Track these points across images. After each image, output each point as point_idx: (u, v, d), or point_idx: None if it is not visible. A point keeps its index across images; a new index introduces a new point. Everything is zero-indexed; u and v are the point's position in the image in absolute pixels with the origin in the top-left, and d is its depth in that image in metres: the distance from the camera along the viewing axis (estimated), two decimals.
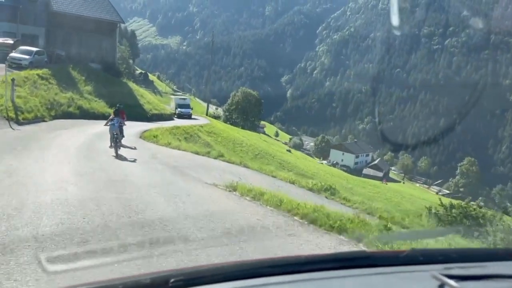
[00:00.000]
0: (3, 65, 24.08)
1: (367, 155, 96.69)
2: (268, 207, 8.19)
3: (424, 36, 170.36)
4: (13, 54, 28.78)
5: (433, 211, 19.44)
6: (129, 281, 1.41)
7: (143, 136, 21.36)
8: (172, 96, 64.15)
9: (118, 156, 14.62)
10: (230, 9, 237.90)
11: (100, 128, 16.72)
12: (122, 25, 60.87)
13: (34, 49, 30.53)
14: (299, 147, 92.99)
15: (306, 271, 1.58)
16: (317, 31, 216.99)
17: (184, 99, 51.64)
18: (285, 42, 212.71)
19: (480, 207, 22.72)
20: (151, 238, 5.66)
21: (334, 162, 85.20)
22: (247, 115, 67.33)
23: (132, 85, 42.30)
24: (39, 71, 27.10)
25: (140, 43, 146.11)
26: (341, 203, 10.61)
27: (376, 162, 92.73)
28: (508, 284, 1.61)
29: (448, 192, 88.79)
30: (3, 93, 19.35)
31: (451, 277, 1.53)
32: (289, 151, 61.00)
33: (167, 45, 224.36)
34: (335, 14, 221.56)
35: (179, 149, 17.50)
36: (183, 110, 43.10)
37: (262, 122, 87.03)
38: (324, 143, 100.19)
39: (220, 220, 7.04)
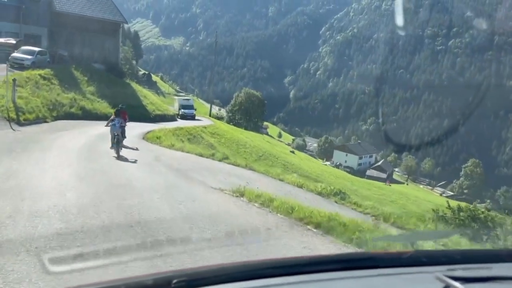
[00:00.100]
0: (4, 66, 23.77)
1: (371, 156, 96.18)
2: (278, 214, 7.71)
3: (428, 37, 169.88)
4: (15, 54, 28.53)
5: (440, 213, 19.10)
6: (132, 282, 1.41)
7: (146, 137, 21.02)
8: (176, 97, 63.85)
9: (120, 158, 14.30)
10: (233, 10, 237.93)
11: (103, 129, 16.36)
12: (126, 26, 60.70)
13: (37, 49, 30.28)
14: (302, 148, 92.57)
15: (309, 272, 1.58)
16: (320, 32, 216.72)
17: (188, 99, 51.11)
18: (288, 43, 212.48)
19: (489, 210, 22.35)
20: (155, 255, 5.18)
21: (338, 163, 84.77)
22: (250, 116, 67.07)
23: (135, 85, 42.02)
24: (41, 71, 26.85)
25: (143, 44, 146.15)
26: (352, 208, 10.11)
27: (379, 163, 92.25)
28: None
29: (452, 193, 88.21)
30: (4, 93, 19.06)
31: (455, 278, 1.52)
32: (293, 152, 60.60)
33: (170, 46, 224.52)
34: (338, 15, 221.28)
35: (182, 151, 17.08)
36: (186, 111, 42.66)
37: (265, 123, 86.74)
38: (327, 144, 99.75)
39: (229, 230, 6.61)
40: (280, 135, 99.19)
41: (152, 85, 78.91)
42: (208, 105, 72.36)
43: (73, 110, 25.46)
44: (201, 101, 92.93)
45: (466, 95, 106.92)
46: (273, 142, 64.16)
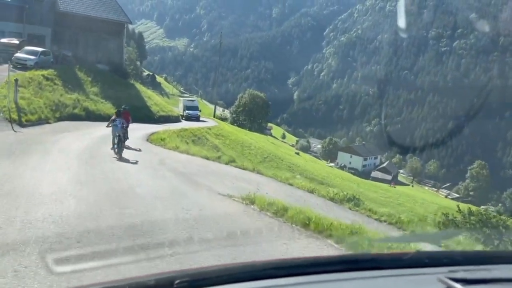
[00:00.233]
0: (7, 66, 23.46)
1: (375, 158, 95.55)
2: (293, 225, 7.07)
3: (432, 38, 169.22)
4: (18, 55, 28.26)
5: (450, 217, 18.61)
6: (134, 282, 1.41)
7: (150, 139, 20.58)
8: (180, 98, 63.56)
9: (122, 159, 13.94)
10: (237, 11, 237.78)
11: (106, 130, 15.93)
12: (130, 27, 60.53)
13: (40, 49, 29.99)
14: (306, 149, 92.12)
15: (311, 273, 1.58)
16: (324, 33, 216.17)
17: (192, 100, 50.52)
18: (292, 44, 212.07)
19: (501, 214, 21.77)
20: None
21: (342, 164, 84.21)
22: (254, 117, 66.82)
23: (140, 86, 41.69)
24: (45, 72, 26.57)
25: (147, 45, 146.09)
26: (367, 215, 9.59)
27: (384, 165, 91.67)
28: None
29: (457, 195, 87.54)
30: (6, 94, 18.73)
31: (457, 280, 1.53)
32: (298, 153, 60.18)
33: (174, 47, 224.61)
34: (342, 16, 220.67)
35: (187, 154, 16.55)
36: (191, 112, 41.95)
37: (269, 124, 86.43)
38: (331, 145, 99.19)
39: (241, 245, 6.06)
40: (284, 136, 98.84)
41: (156, 86, 78.66)
42: (212, 106, 72.06)
43: (76, 111, 25.16)
44: (205, 102, 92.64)
45: (471, 97, 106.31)
46: (277, 143, 63.79)
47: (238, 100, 70.50)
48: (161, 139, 20.05)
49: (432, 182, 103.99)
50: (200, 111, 44.17)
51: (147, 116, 31.30)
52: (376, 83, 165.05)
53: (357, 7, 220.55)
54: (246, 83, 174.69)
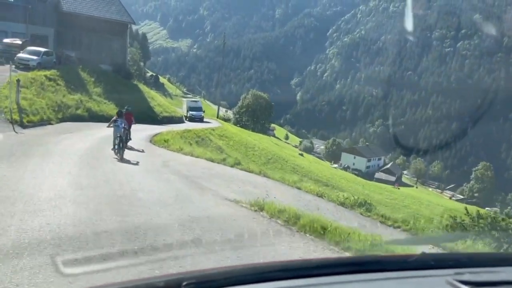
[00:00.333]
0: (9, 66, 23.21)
1: (379, 159, 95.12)
2: (307, 235, 6.56)
3: (436, 39, 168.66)
4: (21, 55, 28.07)
5: (458, 220, 18.24)
6: (141, 283, 1.42)
7: (153, 140, 20.26)
8: (184, 99, 63.34)
9: (124, 161, 13.67)
10: (240, 12, 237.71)
11: (109, 131, 15.64)
12: (133, 28, 60.32)
13: (42, 49, 29.79)
14: (309, 150, 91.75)
15: (317, 275, 1.59)
16: (328, 34, 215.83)
17: (196, 101, 49.93)
18: (295, 45, 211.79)
19: (510, 217, 21.39)
20: None
21: (346, 165, 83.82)
22: (257, 118, 66.54)
23: (143, 87, 41.46)
24: (47, 72, 26.37)
25: (151, 46, 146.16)
26: (380, 222, 9.20)
27: (388, 166, 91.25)
28: None
29: (462, 197, 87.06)
30: (7, 94, 18.48)
31: (465, 283, 1.54)
32: (302, 155, 59.81)
33: (177, 48, 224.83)
34: (346, 17, 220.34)
35: (192, 156, 16.18)
36: (194, 113, 41.50)
37: (272, 125, 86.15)
38: (335, 146, 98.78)
39: (250, 257, 5.54)
40: (287, 137, 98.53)
41: (160, 87, 78.48)
42: (215, 107, 71.86)
43: (79, 111, 24.94)
44: (208, 102, 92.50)
45: (475, 98, 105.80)
46: (281, 144, 63.46)
47: (241, 100, 70.29)
48: (165, 141, 19.74)
49: (436, 183, 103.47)
50: (203, 112, 43.63)
51: (150, 117, 31.07)
52: (380, 84, 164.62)
53: (360, 7, 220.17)
54: (249, 83, 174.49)
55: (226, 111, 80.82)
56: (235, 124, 59.58)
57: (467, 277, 1.59)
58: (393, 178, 79.36)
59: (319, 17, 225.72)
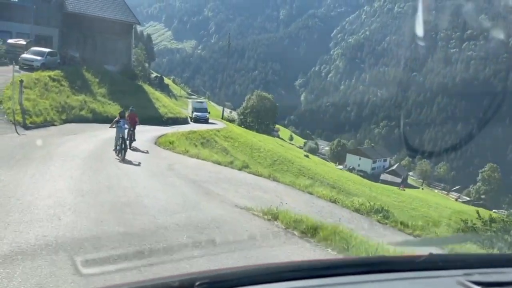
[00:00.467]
0: (15, 67, 22.91)
1: (385, 160, 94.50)
2: (329, 250, 5.99)
3: (441, 39, 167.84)
4: (25, 55, 27.83)
5: (469, 224, 17.77)
6: (159, 282, 1.45)
7: (158, 142, 19.82)
8: (189, 99, 63.03)
9: (125, 161, 13.39)
10: (244, 13, 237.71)
11: (112, 132, 15.27)
12: (138, 29, 60.14)
13: (47, 50, 29.54)
14: (314, 151, 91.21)
15: (328, 276, 1.62)
16: (332, 35, 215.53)
17: (201, 102, 49.10)
18: (299, 46, 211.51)
19: None
20: None
21: (351, 167, 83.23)
22: (261, 119, 66.22)
23: (148, 88, 41.11)
24: (51, 73, 26.13)
25: (155, 47, 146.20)
26: (398, 229, 8.69)
27: (394, 167, 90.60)
28: None
29: (468, 199, 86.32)
30: (10, 95, 18.17)
31: (476, 283, 1.55)
32: (307, 156, 59.33)
33: (182, 49, 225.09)
34: (350, 18, 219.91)
35: (197, 158, 15.70)
36: (199, 114, 40.72)
37: (276, 126, 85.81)
38: (339, 147, 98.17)
39: None
40: (291, 138, 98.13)
41: (164, 88, 78.30)
42: (219, 107, 71.60)
43: (83, 112, 24.66)
44: (212, 103, 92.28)
45: (480, 99, 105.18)
46: (286, 145, 63.07)
47: (245, 101, 70.10)
48: (170, 142, 19.32)
49: (442, 185, 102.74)
50: (209, 113, 42.84)
51: (155, 118, 30.73)
52: (384, 84, 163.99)
53: (365, 8, 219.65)
54: (253, 84, 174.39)
55: (231, 112, 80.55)
56: (240, 125, 59.25)
57: (477, 277, 1.60)
58: (398, 180, 78.74)
59: (323, 18, 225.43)
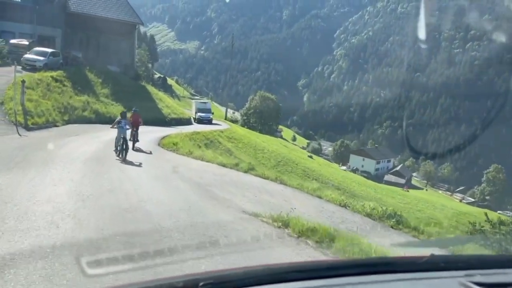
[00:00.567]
0: (18, 67, 22.66)
1: (388, 161, 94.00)
2: None
3: (445, 39, 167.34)
4: (28, 56, 27.62)
5: (478, 227, 17.43)
6: (163, 283, 1.47)
7: (162, 143, 19.49)
8: (192, 100, 62.78)
9: (126, 162, 13.16)
10: (247, 13, 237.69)
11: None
12: (142, 30, 59.95)
13: (49, 50, 29.34)
14: (317, 152, 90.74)
15: (330, 277, 1.63)
16: (335, 35, 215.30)
17: (205, 103, 48.46)
18: (302, 46, 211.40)
19: None
20: None
21: (354, 168, 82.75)
22: (265, 119, 65.92)
23: (151, 88, 40.87)
24: (54, 73, 25.92)
25: (159, 47, 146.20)
26: (412, 236, 8.38)
27: (398, 168, 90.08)
28: None
29: (472, 200, 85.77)
30: (12, 96, 17.93)
31: (478, 284, 1.56)
32: (311, 157, 58.95)
33: (185, 49, 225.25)
34: (353, 18, 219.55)
35: (202, 160, 15.35)
36: (203, 114, 40.16)
37: (279, 127, 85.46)
38: (343, 148, 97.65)
39: None
40: (294, 139, 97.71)
41: (167, 89, 78.14)
42: (222, 108, 71.33)
43: (85, 113, 24.43)
44: (215, 104, 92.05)
45: (484, 99, 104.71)
46: (289, 146, 62.74)
47: (248, 102, 69.84)
48: (173, 144, 19.00)
49: (445, 185, 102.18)
50: (212, 113, 42.22)
51: (158, 118, 30.50)
52: (388, 85, 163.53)
53: (368, 9, 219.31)
54: (256, 85, 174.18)
55: (233, 113, 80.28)
56: (243, 125, 58.98)
57: (478, 278, 1.59)
58: (403, 181, 78.28)
59: (326, 19, 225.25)
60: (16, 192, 8.04)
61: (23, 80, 18.70)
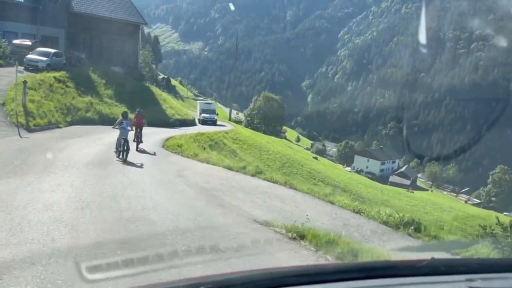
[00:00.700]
0: (21, 68, 22.34)
1: (393, 162, 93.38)
2: None
3: (449, 40, 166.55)
4: (30, 56, 27.35)
5: (488, 230, 16.96)
6: (164, 287, 1.49)
7: (166, 145, 19.07)
8: (197, 101, 62.43)
9: (130, 165, 12.83)
10: (251, 14, 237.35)
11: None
12: (146, 31, 59.69)
13: (52, 50, 29.04)
14: (321, 152, 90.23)
15: (331, 281, 1.63)
16: (339, 36, 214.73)
17: (209, 103, 47.81)
18: (306, 47, 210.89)
19: None
20: None
21: (359, 169, 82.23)
22: (269, 120, 65.53)
23: (155, 89, 40.55)
24: (56, 74, 25.62)
25: (162, 48, 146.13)
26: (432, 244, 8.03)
27: (403, 169, 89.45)
28: None
29: (478, 201, 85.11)
30: (14, 96, 17.58)
31: None
32: (316, 158, 58.47)
33: (189, 50, 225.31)
34: (357, 18, 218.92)
35: (208, 163, 14.89)
36: (207, 115, 39.73)
37: (283, 127, 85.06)
38: (347, 148, 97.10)
39: None
40: (298, 139, 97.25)
41: (171, 89, 78.07)
42: (226, 109, 70.99)
43: (89, 114, 24.11)
44: (219, 105, 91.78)
45: (489, 99, 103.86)
46: (294, 147, 62.28)
47: (252, 103, 69.52)
48: (178, 146, 18.56)
49: (450, 187, 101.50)
50: (217, 114, 41.65)
51: (162, 119, 30.17)
52: (392, 86, 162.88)
53: (372, 9, 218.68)
54: (260, 85, 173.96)
55: (237, 113, 79.97)
56: (247, 126, 58.62)
57: (479, 283, 1.58)
58: (408, 182, 77.72)
59: (330, 19, 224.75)
60: (12, 199, 7.59)
61: (25, 80, 18.36)
